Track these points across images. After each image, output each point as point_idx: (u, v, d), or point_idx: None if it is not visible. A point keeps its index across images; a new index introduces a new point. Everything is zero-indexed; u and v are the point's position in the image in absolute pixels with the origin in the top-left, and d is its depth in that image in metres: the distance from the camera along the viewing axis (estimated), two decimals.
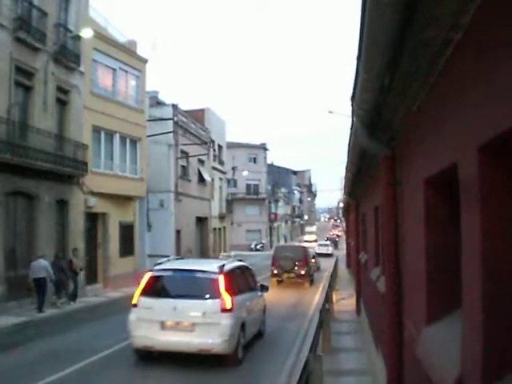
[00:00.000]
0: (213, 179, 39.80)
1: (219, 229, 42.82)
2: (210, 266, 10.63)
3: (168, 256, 28.29)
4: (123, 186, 23.65)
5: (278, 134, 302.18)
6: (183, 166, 33.16)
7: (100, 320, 15.04)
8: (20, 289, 16.33)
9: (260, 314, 12.51)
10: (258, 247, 58.24)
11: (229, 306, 9.61)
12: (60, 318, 15.54)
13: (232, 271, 10.90)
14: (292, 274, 24.47)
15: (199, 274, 10.26)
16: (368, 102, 3.88)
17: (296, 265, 24.33)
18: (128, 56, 24.86)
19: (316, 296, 20.34)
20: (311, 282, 25.34)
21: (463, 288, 2.50)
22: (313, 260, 28.75)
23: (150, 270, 10.59)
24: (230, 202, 48.80)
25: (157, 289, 10.17)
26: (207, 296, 9.75)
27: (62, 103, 19.58)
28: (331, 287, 16.34)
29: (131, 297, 10.32)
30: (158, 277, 10.35)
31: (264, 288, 13.09)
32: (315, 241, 67.55)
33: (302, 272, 24.43)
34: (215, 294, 9.69)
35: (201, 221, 37.08)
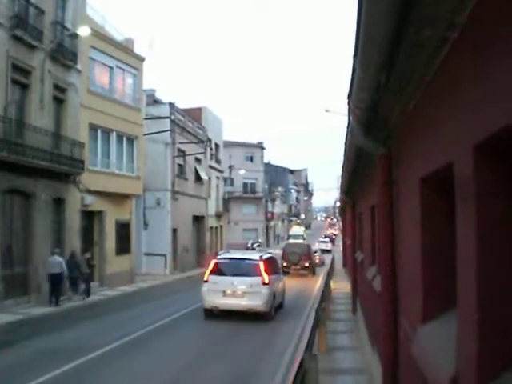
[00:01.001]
0: (210, 178, 39.78)
1: (216, 227, 42.80)
2: (253, 255, 16.35)
3: (164, 255, 29.04)
4: (120, 184, 23.62)
5: (275, 133, 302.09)
6: (180, 165, 33.12)
7: (97, 318, 15.04)
8: (17, 287, 16.32)
9: (282, 290, 17.21)
10: (255, 246, 58.17)
11: (267, 281, 14.60)
12: (57, 315, 15.55)
13: (267, 259, 15.94)
14: (298, 266, 29.63)
15: (247, 261, 15.42)
16: (364, 100, 3.88)
17: (301, 258, 29.57)
18: (125, 54, 24.81)
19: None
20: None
21: (458, 287, 2.50)
22: (316, 256, 35.05)
23: (214, 259, 15.98)
24: (227, 201, 48.77)
25: (220, 270, 15.07)
26: (253, 274, 14.63)
27: (59, 101, 19.54)
28: (327, 286, 16.45)
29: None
30: (219, 262, 15.40)
31: (285, 273, 18.12)
32: None
33: (306, 264, 29.76)
34: (258, 273, 14.65)
35: (197, 219, 37.05)
